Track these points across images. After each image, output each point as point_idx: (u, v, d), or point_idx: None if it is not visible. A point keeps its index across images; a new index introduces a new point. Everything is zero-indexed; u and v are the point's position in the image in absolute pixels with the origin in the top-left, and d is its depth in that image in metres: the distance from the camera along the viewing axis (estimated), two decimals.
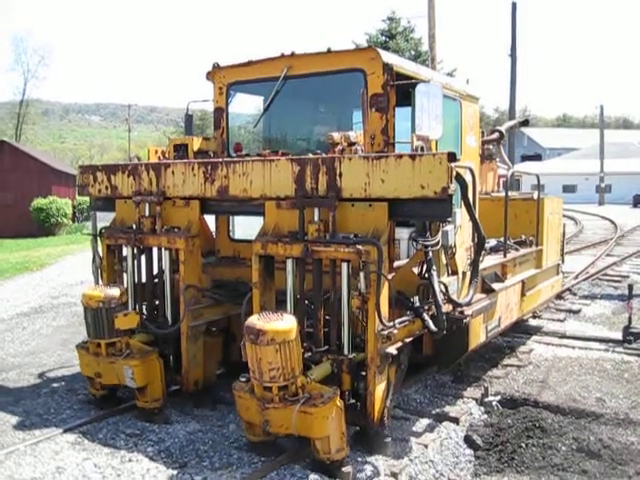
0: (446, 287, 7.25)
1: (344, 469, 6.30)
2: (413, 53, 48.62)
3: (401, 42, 49.68)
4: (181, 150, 8.60)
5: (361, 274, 6.32)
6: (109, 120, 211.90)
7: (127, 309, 7.95)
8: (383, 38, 50.63)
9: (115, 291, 7.81)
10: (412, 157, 6.29)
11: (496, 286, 8.92)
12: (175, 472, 6.52)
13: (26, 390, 9.16)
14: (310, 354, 6.66)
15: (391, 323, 6.49)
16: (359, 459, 6.75)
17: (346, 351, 6.63)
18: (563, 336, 12.11)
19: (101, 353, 7.80)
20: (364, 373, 6.57)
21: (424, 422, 7.94)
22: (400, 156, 6.39)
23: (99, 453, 6.96)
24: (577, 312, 14.24)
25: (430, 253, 6.86)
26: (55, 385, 9.29)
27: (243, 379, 6.59)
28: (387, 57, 7.69)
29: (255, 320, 6.19)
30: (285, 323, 6.12)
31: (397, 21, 51.28)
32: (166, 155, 8.75)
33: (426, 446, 7.23)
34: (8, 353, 11.39)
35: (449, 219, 6.62)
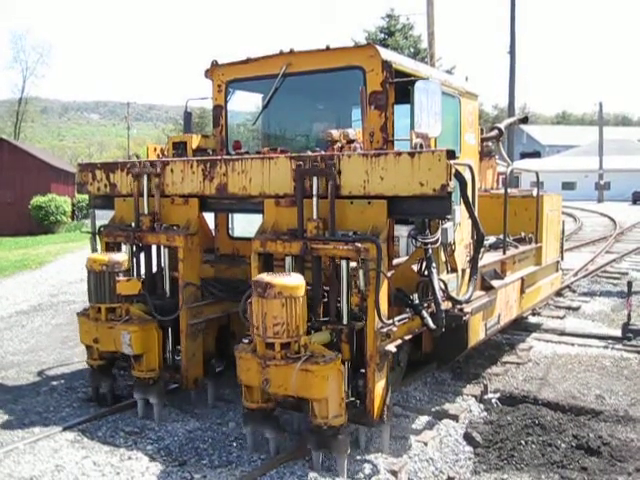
0: (445, 284, 7.25)
1: (340, 437, 6.25)
2: (412, 50, 48.56)
3: (400, 39, 49.63)
4: (180, 148, 8.59)
5: (360, 272, 6.31)
6: (108, 118, 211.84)
7: (129, 275, 7.95)
8: (382, 35, 50.58)
9: (119, 256, 7.85)
10: (411, 154, 6.28)
11: (495, 283, 8.92)
12: (174, 470, 6.52)
13: (25, 388, 9.17)
14: (310, 323, 6.62)
15: (390, 321, 6.48)
16: (358, 457, 6.75)
17: (345, 320, 6.62)
18: (562, 333, 12.11)
19: (100, 318, 7.81)
20: (363, 370, 6.56)
21: (423, 419, 7.94)
22: (399, 153, 6.38)
23: (98, 451, 6.97)
24: (576, 309, 14.25)
25: (429, 250, 6.86)
26: (54, 383, 9.30)
27: (246, 340, 6.58)
28: (386, 54, 7.68)
29: (264, 275, 6.26)
30: (293, 279, 6.19)
31: (396, 18, 51.24)
32: (165, 153, 8.73)
33: (425, 444, 7.22)
34: (7, 351, 11.40)
35: (448, 216, 6.61)
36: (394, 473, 6.51)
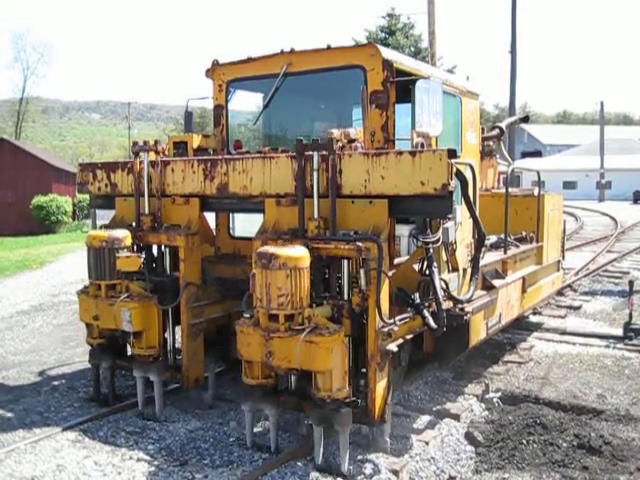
0: (447, 284, 7.24)
1: (343, 410, 6.24)
2: (413, 50, 48.56)
3: (401, 39, 49.63)
4: (181, 147, 8.58)
5: (361, 271, 6.31)
6: (109, 118, 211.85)
7: (130, 252, 7.94)
8: (383, 35, 50.58)
9: (119, 233, 7.84)
10: (412, 154, 6.27)
11: (497, 283, 8.91)
12: (176, 470, 6.52)
13: (26, 388, 9.17)
14: (311, 299, 6.57)
15: (391, 320, 6.47)
16: (359, 457, 6.74)
17: (346, 296, 6.60)
18: (564, 332, 12.11)
19: (100, 295, 7.80)
20: (364, 370, 6.55)
21: (425, 419, 7.93)
22: (400, 153, 6.37)
23: (99, 451, 6.97)
24: (578, 308, 14.25)
25: (430, 250, 6.86)
26: (55, 383, 9.30)
27: (247, 315, 6.56)
28: (387, 53, 7.67)
29: (268, 247, 6.27)
30: (297, 250, 6.20)
31: (397, 18, 51.24)
32: (166, 153, 8.72)
33: (427, 443, 7.22)
34: (8, 351, 11.41)
35: (449, 216, 6.61)
36: (395, 472, 6.49)
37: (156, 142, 8.13)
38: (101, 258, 7.71)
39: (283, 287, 6.03)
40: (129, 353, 8.39)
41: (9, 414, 8.10)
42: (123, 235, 7.83)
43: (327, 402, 6.21)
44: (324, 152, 6.62)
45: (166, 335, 8.32)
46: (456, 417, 7.96)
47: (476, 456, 7.21)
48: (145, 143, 8.11)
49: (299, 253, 6.17)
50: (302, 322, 6.16)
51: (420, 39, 49.79)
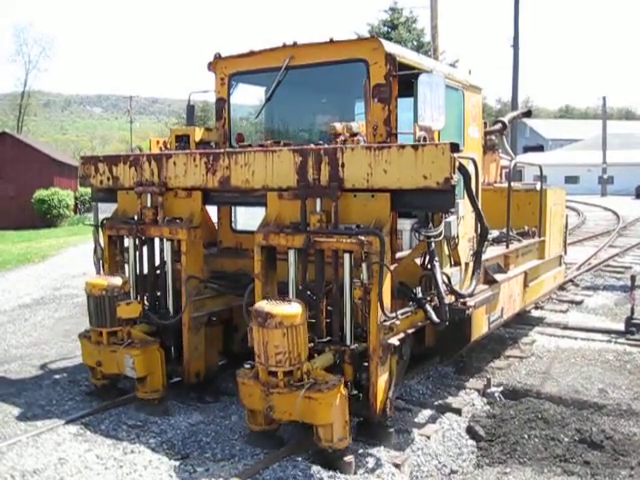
0: (449, 278, 7.23)
1: (346, 459, 6.29)
2: (415, 44, 48.56)
3: (403, 33, 49.64)
4: (183, 141, 8.57)
5: (363, 265, 6.30)
6: (111, 111, 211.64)
7: (129, 298, 7.95)
8: (385, 29, 50.61)
9: (118, 280, 7.86)
10: (414, 147, 6.25)
11: (499, 277, 8.90)
12: (177, 463, 6.51)
13: (28, 381, 9.17)
14: (312, 344, 6.64)
15: (393, 314, 6.46)
16: (361, 450, 6.74)
17: (348, 341, 6.62)
18: (565, 327, 12.10)
19: (102, 342, 7.82)
20: (366, 364, 6.55)
21: (426, 413, 7.93)
22: (402, 146, 6.35)
23: (101, 444, 6.95)
24: (580, 303, 14.24)
25: (433, 244, 6.83)
26: (57, 376, 9.30)
27: (247, 366, 6.59)
28: (390, 47, 7.65)
29: (264, 304, 6.25)
30: (293, 308, 6.18)
31: (399, 12, 51.26)
32: (168, 146, 8.71)
33: (428, 437, 7.22)
34: (10, 344, 11.41)
35: (452, 210, 6.59)
36: (397, 466, 6.50)
37: (159, 155, 8.10)
38: (101, 306, 7.73)
39: (280, 345, 6.06)
40: None
41: (11, 407, 8.08)
42: (122, 282, 7.86)
43: (329, 452, 6.27)
44: (327, 197, 6.64)
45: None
46: (458, 411, 7.97)
47: (477, 450, 7.22)
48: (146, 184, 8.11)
49: (295, 310, 6.16)
50: (301, 377, 6.21)
51: (422, 33, 49.80)
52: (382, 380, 6.53)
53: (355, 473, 6.33)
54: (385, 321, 6.37)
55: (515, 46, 38.76)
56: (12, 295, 16.10)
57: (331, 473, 6.23)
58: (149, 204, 8.09)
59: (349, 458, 6.32)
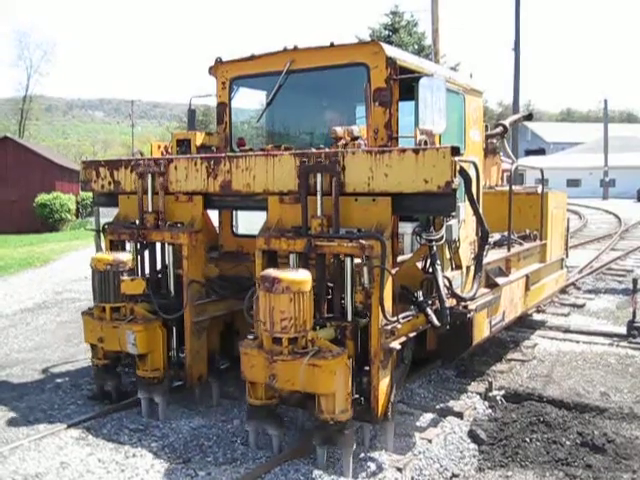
0: (450, 282, 7.24)
1: (347, 432, 6.25)
2: (416, 47, 48.48)
3: (404, 36, 49.55)
4: (184, 145, 8.58)
5: (364, 269, 6.31)
6: (112, 116, 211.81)
7: (134, 275, 7.93)
8: (386, 32, 50.50)
9: (124, 256, 7.87)
10: (415, 151, 6.26)
11: (500, 280, 8.90)
12: (179, 467, 6.53)
13: (30, 385, 9.18)
14: (314, 320, 6.57)
15: (395, 318, 6.47)
16: (362, 454, 6.74)
17: (349, 317, 6.60)
18: (567, 330, 12.07)
19: (105, 318, 7.83)
20: (367, 368, 6.55)
21: (428, 417, 7.92)
22: (403, 150, 6.36)
23: (103, 448, 6.97)
24: (581, 306, 14.22)
25: (434, 248, 6.84)
26: (59, 380, 9.32)
27: (250, 337, 6.58)
28: (390, 51, 7.66)
29: (271, 270, 6.28)
30: (300, 274, 6.20)
31: (400, 15, 51.15)
32: (169, 150, 8.72)
33: (430, 441, 7.20)
34: (12, 349, 11.42)
35: (453, 213, 6.60)
36: (399, 470, 6.49)
37: (160, 159, 8.11)
38: (105, 281, 7.73)
39: (286, 311, 6.04)
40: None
41: (13, 411, 8.10)
42: (127, 258, 7.88)
43: (330, 424, 6.23)
44: (327, 173, 6.62)
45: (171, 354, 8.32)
46: (459, 415, 7.94)
47: (479, 454, 7.19)
48: (150, 163, 8.10)
49: (302, 277, 6.18)
50: (305, 345, 6.19)
51: (424, 37, 49.69)
52: (384, 384, 6.53)
53: (356, 477, 6.33)
54: (386, 325, 6.38)
55: (516, 49, 38.72)
56: (14, 299, 16.09)
57: (332, 477, 6.24)
58: (150, 209, 8.09)
59: (350, 432, 6.29)
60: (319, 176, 6.63)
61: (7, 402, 8.43)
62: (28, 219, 39.34)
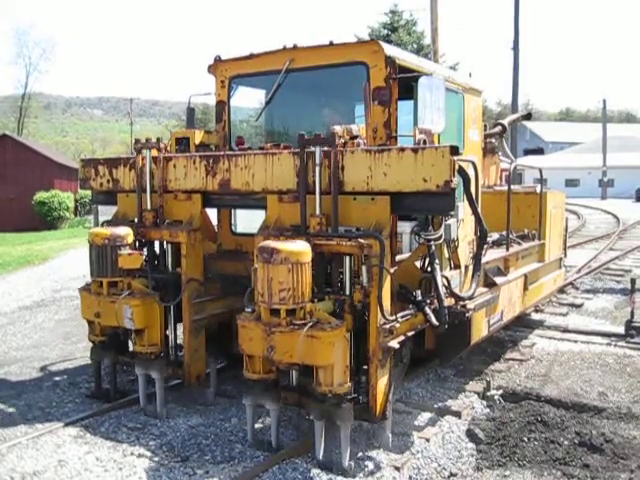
0: (448, 281, 7.24)
1: (344, 405, 6.24)
2: (415, 46, 48.44)
3: (403, 35, 49.52)
4: (183, 143, 8.58)
5: (363, 268, 6.31)
6: (111, 114, 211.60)
7: (132, 250, 7.88)
8: (385, 31, 50.47)
9: (122, 230, 7.83)
10: (414, 150, 6.27)
11: (498, 280, 8.90)
12: (177, 466, 6.53)
13: (28, 383, 9.17)
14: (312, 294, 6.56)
15: (393, 317, 6.47)
16: (360, 454, 6.74)
17: (348, 291, 6.59)
18: (565, 330, 12.06)
19: (102, 292, 7.79)
20: (366, 367, 6.55)
21: (426, 416, 7.92)
22: (402, 149, 6.37)
23: (101, 447, 6.98)
24: (579, 306, 14.20)
25: (432, 247, 6.86)
26: (57, 379, 9.31)
27: (249, 309, 6.55)
28: (390, 50, 7.66)
29: (269, 241, 6.28)
30: (299, 245, 6.20)
31: (399, 14, 51.12)
32: (168, 148, 8.71)
33: (428, 440, 7.21)
34: (10, 346, 11.41)
35: (452, 213, 6.60)
36: (397, 469, 6.50)
37: (158, 140, 8.12)
38: (103, 255, 7.70)
39: (285, 282, 6.03)
40: (131, 349, 8.38)
41: (11, 409, 8.10)
42: (125, 232, 7.82)
43: (328, 397, 6.19)
44: (326, 147, 6.61)
45: (168, 332, 8.31)
46: (457, 414, 7.94)
47: (477, 453, 7.18)
48: (147, 141, 8.11)
49: (301, 248, 6.17)
50: (304, 317, 6.15)
51: (423, 36, 49.64)
52: (382, 383, 6.53)
53: (354, 476, 6.32)
54: (385, 324, 6.38)
55: (515, 49, 38.70)
56: (12, 297, 16.09)
57: (330, 476, 6.24)
58: (149, 207, 8.09)
59: (347, 405, 6.27)
60: (317, 171, 6.61)
61: (5, 400, 8.43)
62: (26, 217, 39.32)
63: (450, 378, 9.29)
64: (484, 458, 7.07)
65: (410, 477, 6.53)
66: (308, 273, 6.17)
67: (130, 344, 8.26)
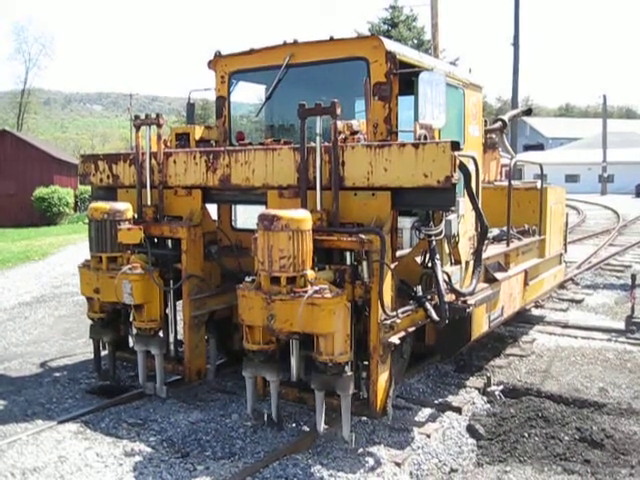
0: (449, 276, 7.23)
1: (345, 375, 6.21)
2: (416, 42, 48.43)
3: (404, 31, 49.52)
4: (183, 139, 8.56)
5: (364, 263, 6.30)
6: (111, 109, 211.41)
7: (131, 225, 7.81)
8: (385, 27, 50.45)
9: (121, 205, 7.80)
10: (415, 146, 6.26)
11: (499, 275, 8.88)
12: (177, 461, 6.51)
13: (28, 379, 9.15)
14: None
15: (394, 313, 6.46)
16: (361, 449, 6.74)
17: (348, 261, 6.56)
18: (566, 326, 12.06)
19: (102, 268, 7.75)
20: (366, 362, 6.54)
21: (427, 412, 7.90)
22: (403, 145, 6.36)
23: (101, 442, 6.96)
24: (580, 302, 14.20)
25: (433, 242, 6.84)
26: (57, 374, 9.29)
27: (249, 279, 6.50)
28: (390, 45, 7.64)
29: (270, 209, 6.28)
30: (300, 212, 6.19)
31: (399, 10, 51.12)
32: (168, 144, 8.70)
33: (429, 436, 7.19)
34: (10, 342, 11.39)
35: (452, 208, 6.59)
36: (398, 465, 6.48)
37: (158, 115, 8.05)
38: (102, 230, 7.65)
39: (285, 249, 6.01)
40: (131, 345, 8.38)
41: (11, 405, 8.08)
42: (125, 207, 7.78)
43: (329, 366, 6.17)
44: (328, 117, 6.59)
45: (168, 311, 8.27)
46: (458, 410, 7.93)
47: (478, 449, 7.17)
48: (147, 117, 8.06)
49: (302, 215, 6.16)
50: (304, 285, 6.11)
51: (423, 31, 49.66)
52: (382, 379, 6.54)
53: (355, 472, 6.31)
54: (386, 320, 6.37)
55: (515, 44, 38.67)
56: (12, 293, 16.06)
57: (331, 472, 6.23)
58: (149, 202, 8.07)
59: (348, 375, 6.24)
60: (318, 162, 6.58)
61: (5, 396, 8.41)
62: (26, 213, 39.29)
63: (450, 374, 9.26)
64: (485, 454, 7.06)
65: (411, 473, 6.52)
66: (309, 241, 6.14)
67: (130, 341, 8.24)
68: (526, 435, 7.31)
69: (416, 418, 7.72)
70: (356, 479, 6.22)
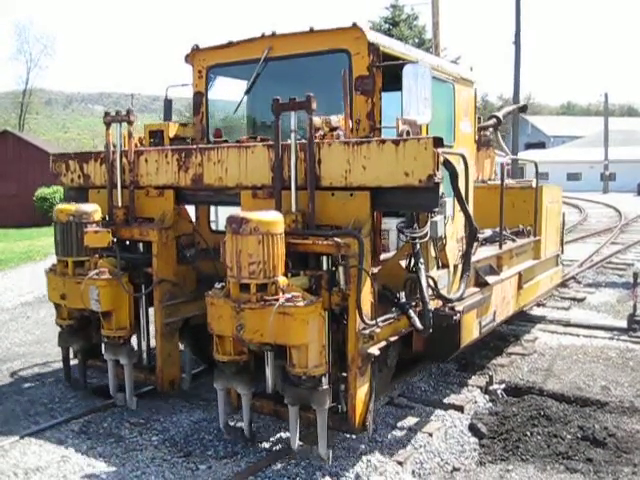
0: (435, 281, 6.76)
1: (320, 389, 5.81)
2: (417, 41, 48.14)
3: (405, 30, 49.24)
4: (157, 137, 8.19)
5: (340, 269, 5.89)
6: (112, 110, 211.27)
7: (99, 227, 7.41)
8: (387, 26, 50.14)
9: (88, 207, 7.43)
10: (395, 142, 5.86)
11: (490, 279, 8.48)
12: (180, 461, 6.54)
13: (30, 379, 9.17)
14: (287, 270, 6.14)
15: (373, 322, 6.02)
16: (362, 446, 6.65)
17: (325, 267, 6.16)
18: (568, 324, 12.00)
19: (68, 273, 7.40)
20: (345, 374, 6.13)
21: (429, 411, 7.87)
22: (383, 141, 5.98)
23: (104, 442, 6.98)
24: (582, 300, 14.16)
25: (418, 245, 6.39)
26: (60, 374, 9.13)
27: (218, 286, 6.11)
28: (373, 36, 7.25)
29: (239, 211, 5.91)
30: (271, 214, 5.80)
31: (400, 9, 50.85)
32: (143, 142, 8.33)
33: (431, 435, 7.16)
34: (13, 342, 11.41)
35: (437, 209, 6.16)
36: (400, 464, 6.44)
37: (129, 111, 7.65)
38: (68, 233, 7.28)
39: (254, 254, 5.61)
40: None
41: (13, 405, 8.07)
42: (92, 209, 7.41)
43: (303, 379, 5.78)
44: (302, 110, 6.20)
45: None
46: (460, 409, 7.89)
47: (480, 448, 7.16)
48: (117, 113, 7.68)
49: (272, 217, 5.77)
50: (275, 292, 5.71)
51: (424, 30, 49.36)
52: (362, 392, 6.11)
53: (357, 471, 6.21)
54: (364, 329, 5.93)
55: (517, 42, 38.43)
56: (14, 293, 16.09)
57: (333, 471, 6.15)
58: (120, 203, 7.69)
59: (324, 389, 5.84)
60: (293, 160, 6.21)
61: (8, 396, 8.41)
62: (28, 213, 39.05)
63: (452, 372, 9.22)
64: (487, 452, 7.07)
65: (413, 471, 6.47)
66: (281, 245, 5.74)
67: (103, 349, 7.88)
68: (528, 434, 7.29)
69: (418, 417, 7.65)
70: (358, 478, 6.15)
